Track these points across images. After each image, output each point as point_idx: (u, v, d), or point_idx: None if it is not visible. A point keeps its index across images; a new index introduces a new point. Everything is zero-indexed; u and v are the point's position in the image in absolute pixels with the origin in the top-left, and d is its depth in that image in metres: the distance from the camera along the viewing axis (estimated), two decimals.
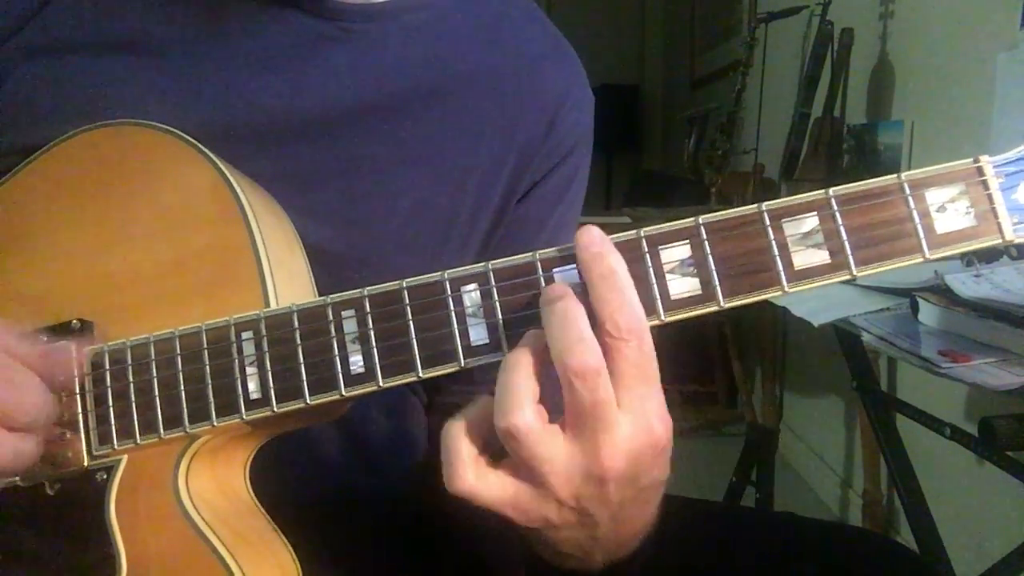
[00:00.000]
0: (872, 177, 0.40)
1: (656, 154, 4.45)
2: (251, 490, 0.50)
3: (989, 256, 0.89)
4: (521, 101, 0.63)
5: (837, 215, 0.39)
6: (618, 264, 0.39)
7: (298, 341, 0.43)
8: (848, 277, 0.40)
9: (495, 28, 0.64)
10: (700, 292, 0.40)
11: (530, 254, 0.41)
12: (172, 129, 0.50)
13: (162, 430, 0.45)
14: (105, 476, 0.46)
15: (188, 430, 0.45)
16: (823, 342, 2.16)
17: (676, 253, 0.40)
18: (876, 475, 1.83)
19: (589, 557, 0.44)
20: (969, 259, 0.90)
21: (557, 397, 0.39)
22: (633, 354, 0.38)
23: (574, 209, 0.68)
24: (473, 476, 0.39)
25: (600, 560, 0.44)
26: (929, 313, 0.81)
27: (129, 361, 0.46)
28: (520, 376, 0.38)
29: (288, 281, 0.48)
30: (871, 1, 1.88)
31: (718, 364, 2.87)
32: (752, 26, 2.37)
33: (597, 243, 0.40)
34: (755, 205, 0.40)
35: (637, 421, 0.39)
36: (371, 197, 0.58)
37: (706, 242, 0.40)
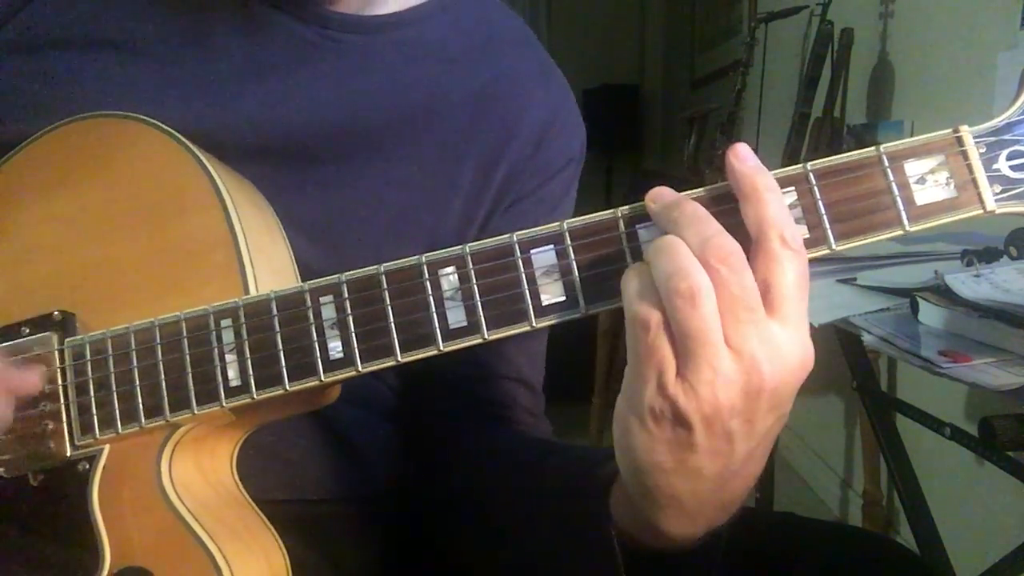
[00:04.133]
0: None
1: (656, 154, 4.45)
2: (238, 481, 0.50)
3: (989, 256, 0.89)
4: (509, 122, 0.63)
5: (815, 189, 0.39)
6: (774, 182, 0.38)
7: (277, 328, 0.44)
8: (827, 252, 0.39)
9: (485, 50, 0.64)
10: None
11: (507, 236, 0.41)
12: (152, 120, 0.50)
13: (143, 419, 0.45)
14: (87, 466, 0.46)
15: (169, 418, 0.45)
16: (823, 342, 2.15)
17: (654, 232, 0.40)
18: (876, 475, 1.83)
19: (697, 514, 0.41)
20: (969, 259, 0.90)
21: None
22: (801, 267, 0.37)
23: None
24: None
25: (705, 522, 0.42)
26: (929, 313, 0.80)
27: (110, 351, 0.46)
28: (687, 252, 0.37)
29: (269, 269, 0.48)
30: (871, 1, 1.88)
31: None
32: (752, 26, 2.37)
33: (753, 159, 0.38)
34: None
35: (797, 337, 0.37)
36: (354, 212, 0.58)
37: None
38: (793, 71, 2.37)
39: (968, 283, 0.79)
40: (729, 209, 0.39)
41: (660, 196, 0.40)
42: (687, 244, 0.37)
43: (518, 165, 0.63)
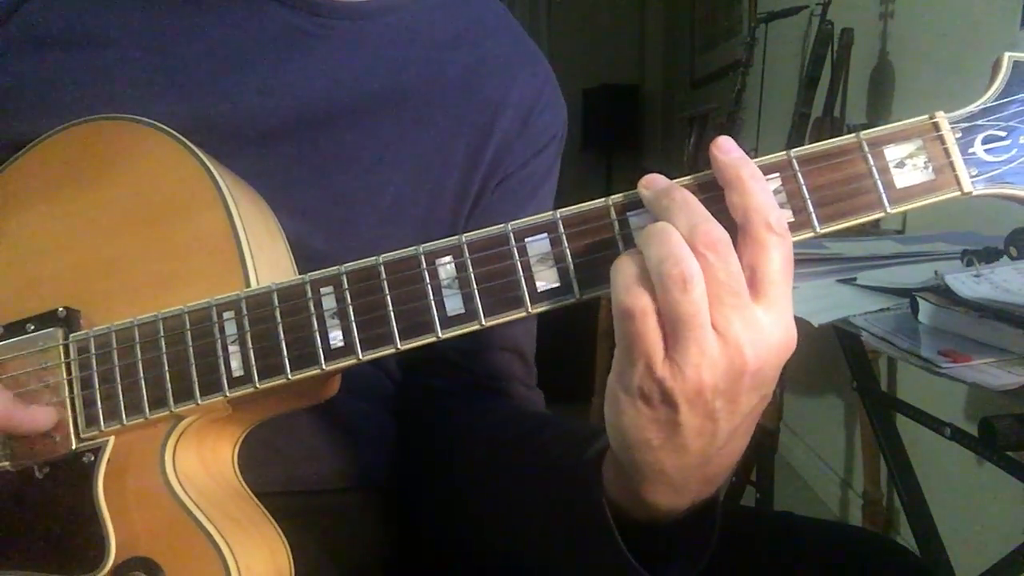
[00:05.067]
0: None
1: (656, 154, 4.44)
2: (240, 476, 0.51)
3: (989, 256, 0.89)
4: (496, 102, 0.65)
5: (799, 175, 0.40)
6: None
7: (278, 319, 0.44)
8: (811, 234, 0.40)
9: (471, 33, 0.66)
10: None
11: (502, 225, 0.42)
12: (154, 122, 0.51)
13: (147, 410, 0.46)
14: (93, 458, 0.47)
15: (173, 409, 0.46)
16: (823, 342, 2.15)
17: (645, 219, 0.41)
18: (876, 475, 1.83)
19: (683, 488, 0.42)
20: (969, 259, 0.90)
21: None
22: (786, 251, 0.38)
23: (544, 209, 0.70)
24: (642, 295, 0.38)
25: (691, 495, 0.43)
26: (929, 313, 0.80)
27: (114, 345, 0.47)
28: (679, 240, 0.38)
29: (269, 267, 0.49)
30: (871, 1, 1.88)
31: None
32: (752, 26, 2.37)
33: (736, 151, 0.40)
34: None
35: (781, 321, 0.38)
36: (352, 194, 0.59)
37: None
38: (793, 71, 2.37)
39: (968, 283, 0.79)
40: (717, 196, 0.40)
41: (653, 182, 0.41)
42: (677, 230, 0.38)
43: (505, 143, 0.65)
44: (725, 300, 0.37)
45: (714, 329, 0.37)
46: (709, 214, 0.38)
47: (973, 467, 1.51)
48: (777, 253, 0.38)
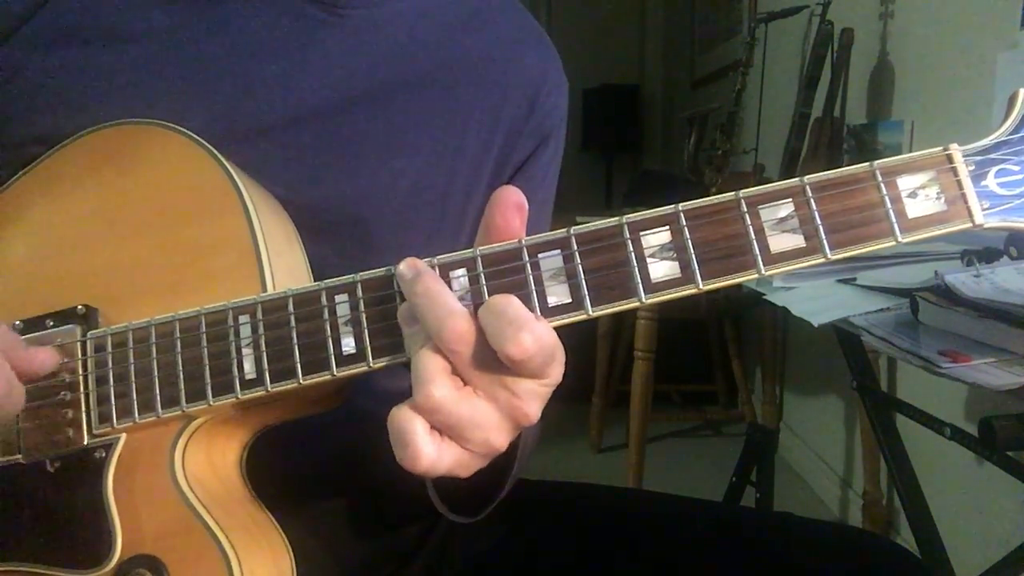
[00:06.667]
0: None
1: (656, 154, 4.45)
2: (247, 480, 0.51)
3: (989, 256, 0.89)
4: (504, 85, 0.65)
5: (811, 201, 0.41)
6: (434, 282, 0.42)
7: (293, 324, 0.45)
8: (822, 260, 0.41)
9: (477, 16, 0.66)
10: (680, 275, 0.41)
11: (516, 241, 0.43)
12: (176, 126, 0.52)
13: (160, 409, 0.47)
14: (104, 454, 0.48)
15: (185, 409, 0.46)
16: (823, 342, 2.15)
17: (656, 239, 0.42)
18: (876, 475, 1.84)
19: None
20: (969, 259, 0.90)
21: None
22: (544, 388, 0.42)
23: (552, 191, 0.72)
24: (434, 451, 0.40)
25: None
26: (929, 313, 0.80)
27: (131, 343, 0.48)
28: (425, 355, 0.40)
29: (286, 273, 0.49)
30: (871, 1, 1.88)
31: (718, 364, 2.87)
32: (752, 26, 2.37)
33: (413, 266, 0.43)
34: (732, 192, 0.42)
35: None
36: (374, 175, 0.60)
37: (685, 228, 0.41)
38: (793, 71, 2.37)
39: (968, 283, 0.79)
40: (727, 219, 0.41)
41: (408, 267, 0.43)
42: (426, 326, 0.40)
43: (515, 127, 0.66)
44: (490, 368, 0.40)
45: (480, 395, 0.40)
46: (453, 307, 0.40)
47: (973, 467, 1.51)
48: (540, 399, 0.41)
